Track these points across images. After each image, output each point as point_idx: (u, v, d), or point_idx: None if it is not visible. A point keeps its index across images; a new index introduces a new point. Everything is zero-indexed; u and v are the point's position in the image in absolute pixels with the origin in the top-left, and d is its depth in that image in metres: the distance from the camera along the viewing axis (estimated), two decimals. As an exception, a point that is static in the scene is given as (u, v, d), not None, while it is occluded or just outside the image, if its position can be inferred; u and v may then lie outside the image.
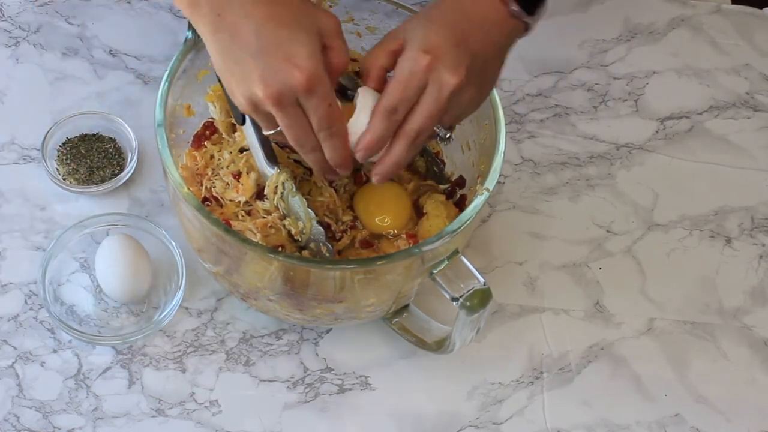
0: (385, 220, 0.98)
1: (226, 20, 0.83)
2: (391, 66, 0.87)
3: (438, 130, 0.88)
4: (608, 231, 1.14)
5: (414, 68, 0.84)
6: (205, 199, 0.99)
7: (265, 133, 0.88)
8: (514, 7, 0.87)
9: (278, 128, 0.86)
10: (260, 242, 0.93)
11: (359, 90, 0.89)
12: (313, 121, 0.84)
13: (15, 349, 1.02)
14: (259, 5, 0.82)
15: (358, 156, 0.87)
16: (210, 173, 1.00)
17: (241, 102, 0.84)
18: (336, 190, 0.99)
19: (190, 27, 0.96)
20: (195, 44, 0.95)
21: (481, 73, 0.87)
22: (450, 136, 0.89)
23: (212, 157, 1.01)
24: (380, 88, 0.87)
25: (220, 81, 0.92)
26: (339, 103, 0.85)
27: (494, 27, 0.87)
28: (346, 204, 1.00)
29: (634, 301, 1.11)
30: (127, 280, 1.01)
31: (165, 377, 1.02)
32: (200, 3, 0.84)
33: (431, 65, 0.84)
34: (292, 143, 0.86)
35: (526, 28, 0.89)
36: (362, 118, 0.87)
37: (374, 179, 0.89)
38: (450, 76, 0.84)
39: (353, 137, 0.87)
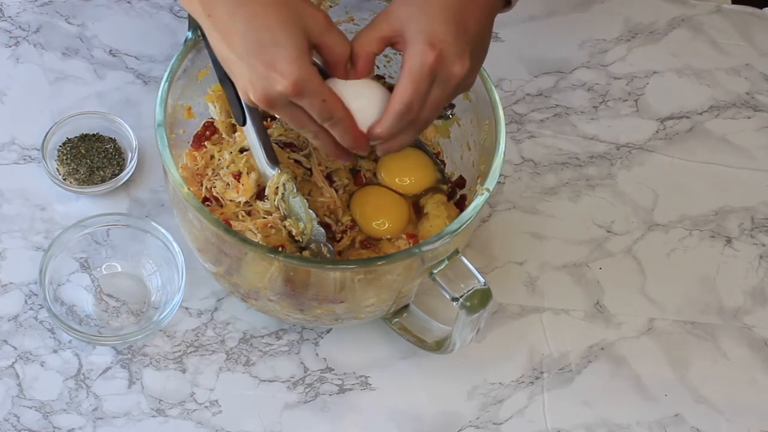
0: (383, 225, 0.98)
1: (216, 20, 0.83)
2: (381, 51, 0.86)
3: (442, 114, 0.89)
4: (608, 231, 1.14)
5: (423, 66, 0.83)
6: (205, 199, 0.99)
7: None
8: None
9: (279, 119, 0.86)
10: (260, 242, 0.93)
11: (341, 83, 0.87)
12: (314, 117, 0.84)
13: (15, 349, 1.02)
14: (243, 5, 0.81)
15: (372, 140, 0.87)
16: (210, 173, 1.00)
17: (240, 93, 0.85)
18: (336, 191, 1.00)
19: (191, 27, 0.96)
20: (195, 44, 0.95)
21: (480, 51, 0.88)
22: (450, 113, 0.90)
23: (212, 157, 1.01)
24: (368, 73, 0.87)
25: (221, 81, 0.92)
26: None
27: (485, 4, 0.87)
28: (346, 204, 1.00)
29: (634, 301, 1.11)
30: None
31: (165, 377, 1.02)
32: (193, 2, 0.84)
33: (438, 59, 0.83)
34: (298, 131, 0.86)
35: (507, 3, 0.91)
36: (365, 104, 0.86)
37: (379, 152, 0.89)
38: (457, 68, 0.84)
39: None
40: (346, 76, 0.86)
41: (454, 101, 0.92)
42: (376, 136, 0.86)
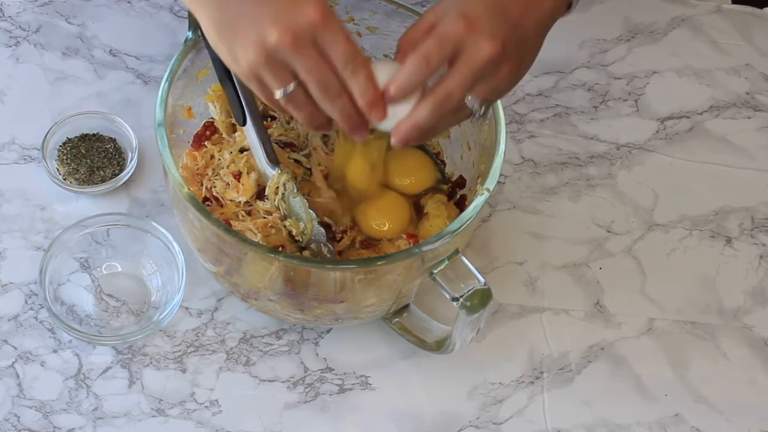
0: (383, 225, 0.98)
1: None
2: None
3: (472, 105, 0.83)
4: (608, 231, 1.15)
5: (450, 30, 0.81)
6: (205, 199, 0.99)
7: (277, 95, 0.82)
8: None
9: (289, 86, 0.81)
10: (261, 242, 0.93)
11: (373, 64, 0.84)
12: (335, 58, 0.80)
13: (15, 348, 1.02)
14: None
15: (388, 99, 0.82)
16: (210, 173, 1.00)
17: (248, 60, 0.80)
18: (335, 192, 1.00)
19: (191, 27, 0.96)
20: (195, 44, 0.95)
21: (520, 47, 0.84)
22: (485, 112, 0.85)
23: (212, 157, 1.01)
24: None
25: (221, 81, 0.92)
26: None
27: (535, 1, 0.84)
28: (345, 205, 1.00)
29: (634, 301, 1.11)
30: None
31: (165, 377, 1.02)
32: None
33: (468, 31, 0.81)
34: (316, 91, 0.82)
35: (568, 6, 0.87)
36: (379, 81, 0.83)
37: (393, 140, 0.84)
38: (487, 44, 0.81)
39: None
40: None
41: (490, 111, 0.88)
42: (396, 83, 0.82)
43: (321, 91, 0.81)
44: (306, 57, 0.80)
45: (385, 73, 0.83)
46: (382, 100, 0.82)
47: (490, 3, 0.82)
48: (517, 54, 0.84)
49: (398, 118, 0.83)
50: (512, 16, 0.83)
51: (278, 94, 0.82)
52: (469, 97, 0.83)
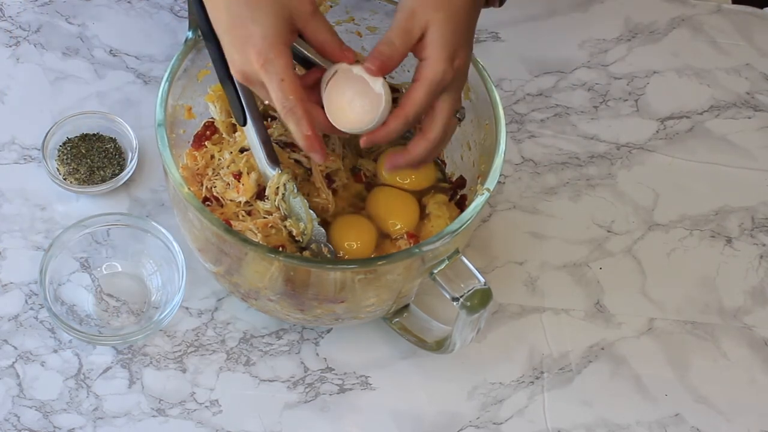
0: (395, 225, 0.98)
1: None
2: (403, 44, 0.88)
3: (460, 115, 0.91)
4: (608, 231, 1.15)
5: (443, 80, 0.86)
6: (205, 199, 0.99)
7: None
8: None
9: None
10: (261, 242, 0.93)
11: (341, 68, 0.88)
12: (272, 97, 0.85)
13: (15, 348, 1.02)
14: None
15: (363, 144, 0.88)
16: (210, 173, 1.00)
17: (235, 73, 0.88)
18: (335, 191, 0.99)
19: (191, 27, 0.96)
20: (195, 44, 0.95)
21: (466, 51, 0.90)
22: (462, 115, 0.91)
23: (213, 157, 1.01)
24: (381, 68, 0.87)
25: (221, 81, 0.92)
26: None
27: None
28: (347, 203, 1.00)
29: (635, 301, 1.11)
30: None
31: (165, 377, 1.02)
32: None
33: (454, 75, 0.87)
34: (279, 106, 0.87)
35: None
36: (347, 92, 0.87)
37: (362, 143, 0.89)
38: (463, 77, 0.89)
39: (339, 114, 0.88)
40: (336, 60, 0.87)
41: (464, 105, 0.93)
42: (378, 138, 0.87)
43: (280, 105, 0.86)
44: (259, 90, 0.87)
45: (350, 89, 0.87)
46: (315, 140, 0.86)
47: (463, 27, 0.88)
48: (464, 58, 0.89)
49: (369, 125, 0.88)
50: (471, 27, 0.89)
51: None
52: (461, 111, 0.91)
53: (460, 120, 0.91)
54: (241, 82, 0.88)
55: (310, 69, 0.91)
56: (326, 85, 0.88)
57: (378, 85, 0.87)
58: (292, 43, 0.86)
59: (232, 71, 0.87)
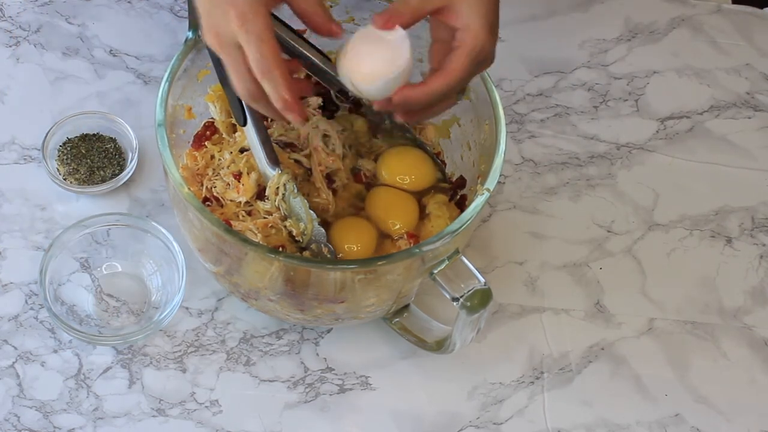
0: (395, 225, 0.98)
1: None
2: (421, 19, 0.87)
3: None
4: (608, 231, 1.15)
5: (483, 52, 0.86)
6: (205, 199, 0.99)
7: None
8: None
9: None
10: (261, 242, 0.93)
11: (359, 31, 0.87)
12: (249, 59, 0.84)
13: (15, 348, 1.02)
14: None
15: (395, 98, 0.86)
16: (210, 173, 1.00)
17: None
18: (335, 191, 1.00)
19: (191, 27, 0.96)
20: (195, 44, 0.95)
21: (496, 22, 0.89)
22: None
23: (213, 157, 1.01)
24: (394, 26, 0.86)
25: (222, 81, 0.92)
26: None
27: None
28: (347, 203, 1.00)
29: (635, 301, 1.11)
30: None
31: (165, 377, 1.02)
32: None
33: (490, 48, 0.87)
34: (236, 89, 0.86)
35: None
36: (366, 51, 0.86)
37: (394, 99, 0.87)
38: (493, 54, 0.88)
39: (356, 73, 0.86)
40: (322, 32, 0.86)
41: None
42: (417, 96, 0.86)
43: (239, 90, 0.86)
44: (229, 57, 0.84)
45: (368, 45, 0.85)
46: (294, 103, 0.85)
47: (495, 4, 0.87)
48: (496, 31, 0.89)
49: (386, 82, 0.86)
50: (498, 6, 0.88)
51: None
52: None
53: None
54: (211, 49, 0.85)
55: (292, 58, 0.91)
56: (346, 52, 0.87)
57: (396, 36, 0.85)
58: (273, 9, 0.84)
59: (206, 35, 0.85)
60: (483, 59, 0.87)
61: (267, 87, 0.84)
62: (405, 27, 0.86)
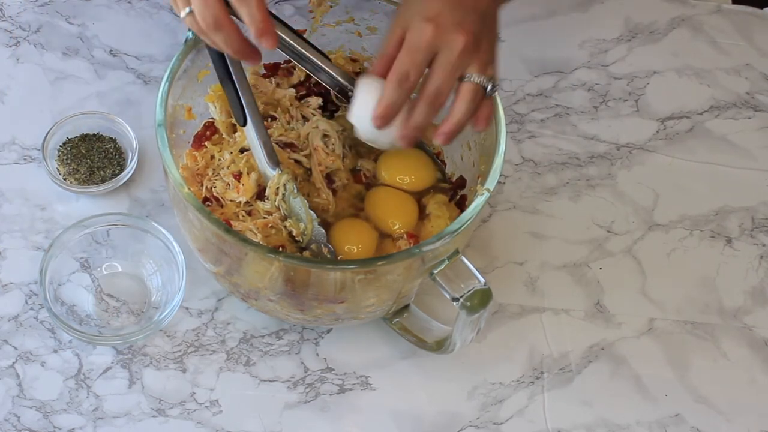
0: (394, 225, 0.98)
1: None
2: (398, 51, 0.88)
3: (481, 82, 0.88)
4: (608, 231, 1.15)
5: (421, 37, 0.86)
6: (205, 200, 0.99)
7: (181, 16, 0.86)
8: None
9: (183, 10, 0.86)
10: (261, 242, 0.93)
11: (359, 80, 0.90)
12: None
13: (15, 349, 1.02)
14: None
15: (376, 124, 0.88)
16: (210, 173, 1.00)
17: None
18: (335, 192, 1.00)
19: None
20: (195, 44, 0.95)
21: (484, 24, 0.88)
22: (495, 87, 0.89)
23: (213, 157, 1.01)
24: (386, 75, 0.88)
25: (221, 81, 0.92)
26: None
27: None
28: (347, 203, 1.00)
29: (635, 301, 1.11)
30: None
31: (165, 377, 1.02)
32: None
33: (436, 32, 0.86)
34: (199, 21, 0.85)
35: None
36: (370, 101, 0.88)
37: (401, 143, 0.89)
38: (458, 36, 0.86)
39: (363, 122, 0.89)
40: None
41: (498, 81, 0.91)
42: (380, 110, 0.87)
43: (202, 21, 0.85)
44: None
45: (373, 91, 0.88)
46: (270, 26, 0.85)
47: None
48: (485, 30, 0.88)
49: (392, 128, 0.88)
50: (466, 4, 0.87)
51: (181, 14, 0.86)
52: (474, 75, 0.87)
53: (489, 91, 0.89)
54: None
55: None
56: (354, 101, 0.90)
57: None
58: None
59: None
60: (427, 47, 0.86)
61: (242, 12, 0.84)
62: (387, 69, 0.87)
